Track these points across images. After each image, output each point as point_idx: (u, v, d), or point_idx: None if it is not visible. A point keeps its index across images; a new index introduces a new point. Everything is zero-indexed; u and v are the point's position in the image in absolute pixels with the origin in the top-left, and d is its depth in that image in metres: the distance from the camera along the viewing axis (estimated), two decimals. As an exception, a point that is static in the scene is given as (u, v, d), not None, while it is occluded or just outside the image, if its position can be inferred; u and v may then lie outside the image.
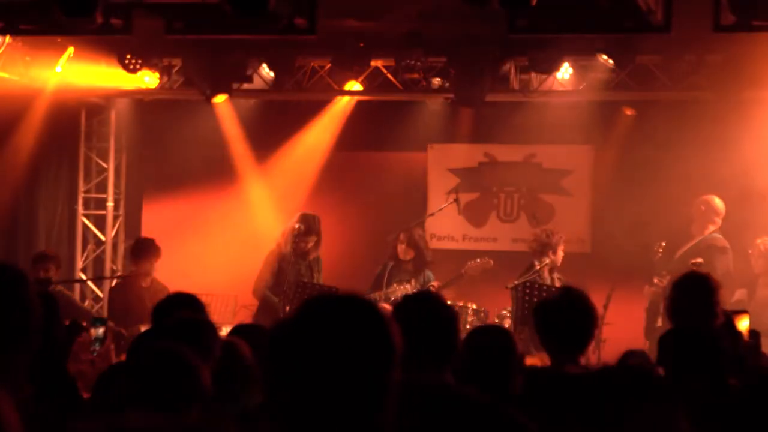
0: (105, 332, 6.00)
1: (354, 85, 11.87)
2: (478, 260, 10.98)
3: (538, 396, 4.50)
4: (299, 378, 2.13)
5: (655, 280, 10.35)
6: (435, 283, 10.59)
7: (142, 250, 11.05)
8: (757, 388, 3.27)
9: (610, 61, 10.63)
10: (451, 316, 4.04)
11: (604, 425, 2.97)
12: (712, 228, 10.63)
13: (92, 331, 5.50)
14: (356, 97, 12.14)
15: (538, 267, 10.24)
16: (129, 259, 11.70)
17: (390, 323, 2.23)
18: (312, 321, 2.19)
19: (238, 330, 5.37)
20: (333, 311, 2.21)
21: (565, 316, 4.94)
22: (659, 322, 9.61)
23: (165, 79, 12.05)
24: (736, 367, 5.11)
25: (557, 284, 10.08)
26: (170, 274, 10.89)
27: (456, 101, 11.47)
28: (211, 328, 4.39)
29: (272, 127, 12.58)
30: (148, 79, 12.06)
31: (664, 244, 10.56)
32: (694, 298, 5.76)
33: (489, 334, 4.82)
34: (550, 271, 10.40)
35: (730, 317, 6.11)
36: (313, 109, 12.36)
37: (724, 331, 5.64)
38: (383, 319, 2.23)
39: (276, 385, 2.15)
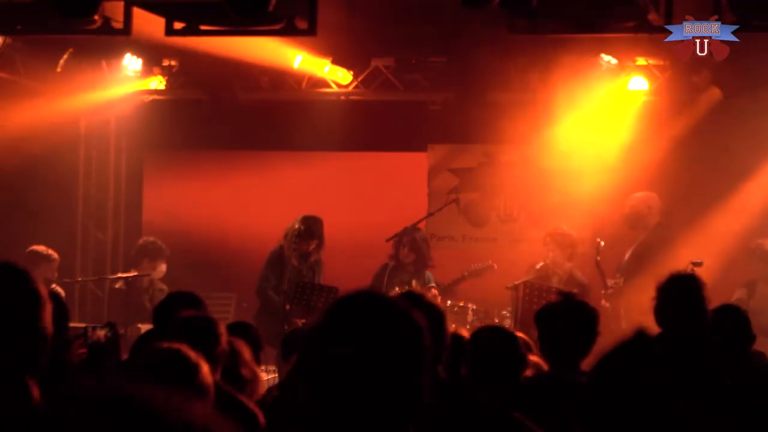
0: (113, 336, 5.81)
1: (353, 84, 11.87)
2: (482, 264, 10.96)
3: (539, 401, 4.52)
4: (333, 379, 2.13)
5: (610, 283, 10.28)
6: (435, 288, 10.54)
7: (143, 251, 11.05)
8: (754, 383, 3.27)
9: (613, 61, 10.63)
10: (437, 313, 4.07)
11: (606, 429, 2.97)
12: (654, 223, 10.69)
13: (98, 332, 5.45)
14: (356, 97, 12.14)
15: (537, 267, 10.23)
16: (130, 259, 11.71)
17: (421, 324, 2.23)
18: (343, 322, 2.18)
19: (232, 329, 5.38)
20: (364, 312, 2.20)
21: (565, 326, 4.93)
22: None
23: (165, 79, 12.04)
24: (732, 365, 5.11)
25: (557, 284, 10.08)
26: (170, 274, 10.89)
27: (456, 101, 11.47)
28: (216, 325, 4.40)
29: (272, 127, 12.58)
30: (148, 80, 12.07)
31: (602, 243, 10.45)
32: (682, 301, 5.70)
33: (493, 334, 4.86)
34: (551, 271, 10.39)
35: (732, 317, 6.10)
36: (313, 109, 12.35)
37: (712, 330, 5.60)
38: (414, 320, 2.22)
39: (310, 386, 2.14)
